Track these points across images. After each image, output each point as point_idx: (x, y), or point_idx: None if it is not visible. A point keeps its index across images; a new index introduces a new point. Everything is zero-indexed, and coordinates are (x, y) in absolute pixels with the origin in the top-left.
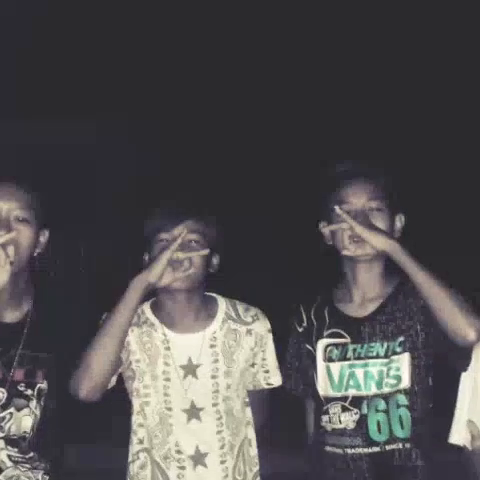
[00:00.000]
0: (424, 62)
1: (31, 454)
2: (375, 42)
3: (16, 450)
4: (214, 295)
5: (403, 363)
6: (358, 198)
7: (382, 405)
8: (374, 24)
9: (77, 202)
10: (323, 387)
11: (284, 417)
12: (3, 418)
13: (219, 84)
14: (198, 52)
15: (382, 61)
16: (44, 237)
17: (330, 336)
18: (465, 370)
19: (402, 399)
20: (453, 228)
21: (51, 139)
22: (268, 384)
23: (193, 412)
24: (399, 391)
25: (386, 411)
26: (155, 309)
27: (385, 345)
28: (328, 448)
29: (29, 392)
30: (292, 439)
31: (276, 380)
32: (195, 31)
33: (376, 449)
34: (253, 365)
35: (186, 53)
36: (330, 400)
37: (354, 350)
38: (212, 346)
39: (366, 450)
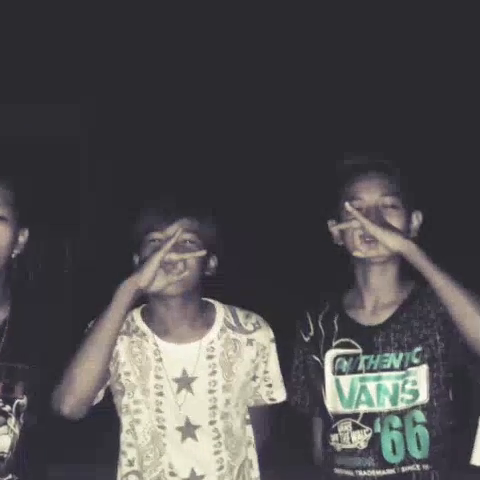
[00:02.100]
0: (440, 57)
1: (9, 476)
2: (386, 33)
3: None
4: (211, 301)
5: (420, 376)
6: (370, 194)
7: (397, 423)
8: (387, 15)
9: (61, 198)
10: (332, 403)
11: (289, 436)
12: None
13: (215, 77)
14: (197, 44)
15: (393, 52)
16: (23, 237)
17: (339, 346)
18: None
19: (419, 416)
20: (473, 226)
21: (32, 129)
22: (271, 399)
23: (188, 430)
24: (416, 407)
25: (401, 429)
26: (146, 316)
27: (400, 356)
28: (337, 470)
29: (7, 408)
30: (297, 460)
31: (280, 395)
32: (196, 23)
33: (390, 471)
34: (254, 378)
35: (185, 45)
36: (339, 417)
37: (366, 362)
38: (209, 357)
39: (379, 472)
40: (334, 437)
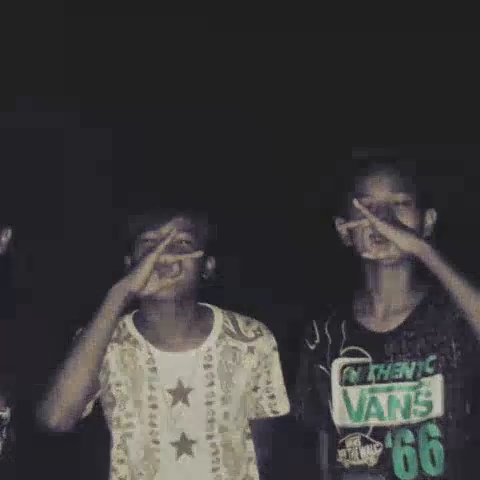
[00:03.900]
0: (459, 44)
1: None
2: (393, 27)
3: None
4: (209, 306)
5: (435, 387)
6: (380, 190)
7: (409, 437)
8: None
9: (45, 195)
10: (339, 416)
11: (292, 452)
12: None
13: (213, 75)
14: (193, 38)
15: (408, 38)
16: (6, 237)
17: (348, 355)
18: None
19: (433, 430)
20: None
21: (11, 121)
22: (274, 412)
23: (184, 446)
24: (430, 420)
25: (414, 444)
26: (139, 323)
27: (413, 365)
28: None
29: None
30: (301, 478)
31: (283, 407)
32: (193, 16)
33: None
34: (256, 389)
35: (181, 37)
36: (348, 431)
37: (376, 371)
38: (207, 366)
39: None
40: (341, 453)
